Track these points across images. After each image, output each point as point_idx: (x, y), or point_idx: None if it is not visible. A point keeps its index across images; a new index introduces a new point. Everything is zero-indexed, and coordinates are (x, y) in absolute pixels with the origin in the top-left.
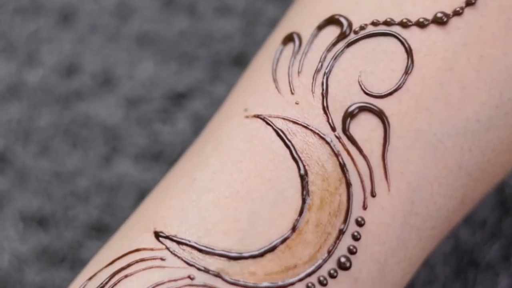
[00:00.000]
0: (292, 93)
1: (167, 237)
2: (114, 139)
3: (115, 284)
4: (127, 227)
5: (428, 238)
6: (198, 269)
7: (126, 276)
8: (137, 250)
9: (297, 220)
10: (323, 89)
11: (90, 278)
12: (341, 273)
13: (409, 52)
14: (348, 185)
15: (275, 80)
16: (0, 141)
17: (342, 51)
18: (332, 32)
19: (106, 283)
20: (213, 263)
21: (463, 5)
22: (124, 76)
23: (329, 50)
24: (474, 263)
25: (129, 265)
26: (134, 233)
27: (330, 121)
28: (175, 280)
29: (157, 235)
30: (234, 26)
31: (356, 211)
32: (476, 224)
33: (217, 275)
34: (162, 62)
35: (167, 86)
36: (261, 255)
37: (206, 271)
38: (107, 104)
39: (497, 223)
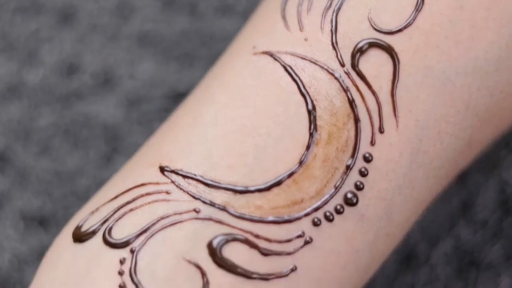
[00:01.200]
0: (301, 30)
1: (172, 171)
2: (114, 139)
3: (120, 217)
4: (131, 164)
5: (434, 179)
6: (204, 202)
7: (130, 210)
8: (142, 184)
9: (304, 155)
10: (332, 26)
11: (93, 212)
12: (347, 209)
13: None
14: (357, 120)
15: (284, 18)
16: (1, 141)
17: None
18: None
19: (110, 216)
20: (219, 197)
21: None
22: (124, 75)
23: None
24: (475, 263)
25: (133, 199)
26: (138, 169)
27: (339, 56)
28: (180, 214)
29: (162, 169)
30: (235, 26)
31: (364, 147)
32: (477, 224)
33: (223, 209)
34: (162, 62)
35: (168, 86)
36: (267, 189)
37: (212, 204)
38: (107, 104)
39: (498, 223)
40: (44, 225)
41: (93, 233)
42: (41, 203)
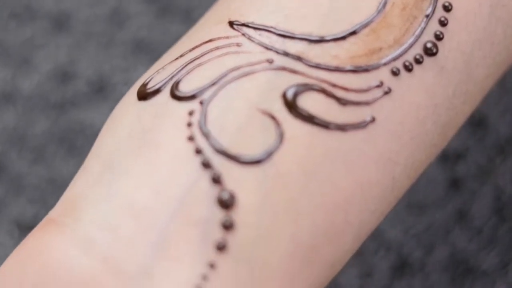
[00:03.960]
0: None
1: (243, 25)
2: None
3: (188, 73)
4: (197, 25)
5: None
6: (277, 52)
7: (199, 65)
8: (210, 40)
9: (381, 3)
10: None
11: (158, 71)
12: (427, 59)
13: None
14: None
15: None
16: None
17: None
18: None
19: (178, 72)
20: (293, 47)
21: None
22: (119, 82)
23: None
24: (471, 270)
25: (202, 55)
26: (206, 27)
27: None
28: (252, 65)
29: (231, 24)
30: None
31: None
32: (473, 231)
33: (298, 58)
34: None
35: None
36: (344, 38)
37: (286, 54)
38: (102, 111)
39: (494, 230)
40: None
41: (159, 90)
42: (35, 210)
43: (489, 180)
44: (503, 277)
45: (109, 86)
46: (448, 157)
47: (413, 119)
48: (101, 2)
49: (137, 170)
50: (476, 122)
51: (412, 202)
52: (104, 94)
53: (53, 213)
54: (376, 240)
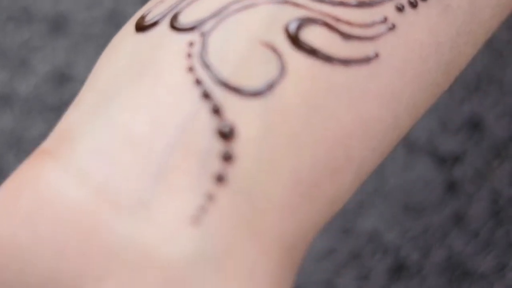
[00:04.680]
0: None
1: None
2: None
3: (188, 5)
4: None
5: None
6: None
7: None
8: None
9: None
10: None
11: (157, 4)
12: None
13: None
14: None
15: None
16: None
17: None
18: None
19: (177, 4)
20: None
21: None
22: None
23: None
24: (468, 273)
25: None
26: None
27: None
28: None
29: None
30: None
31: None
32: (470, 234)
33: None
34: None
35: None
36: None
37: None
38: None
39: (491, 233)
40: None
41: (158, 22)
42: None
43: (486, 183)
44: (500, 280)
45: None
46: (445, 160)
47: (417, 57)
48: (98, 4)
49: (134, 100)
50: (473, 125)
51: (409, 205)
52: None
53: (45, 144)
54: (373, 243)
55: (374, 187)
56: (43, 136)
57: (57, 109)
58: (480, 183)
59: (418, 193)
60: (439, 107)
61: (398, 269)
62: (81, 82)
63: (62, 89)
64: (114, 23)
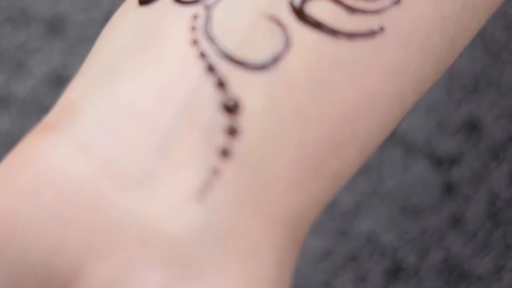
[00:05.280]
0: None
1: None
2: None
3: None
4: None
5: None
6: None
7: None
8: None
9: None
10: None
11: None
12: None
13: None
14: None
15: None
16: None
17: None
18: None
19: None
20: None
21: None
22: None
23: None
24: (465, 275)
25: None
26: None
27: None
28: None
29: None
30: None
31: None
32: (467, 236)
33: None
34: None
35: None
36: None
37: None
38: None
39: (488, 235)
40: None
41: None
42: None
43: (484, 185)
44: (498, 282)
45: None
46: (443, 162)
47: (422, 31)
48: (95, 6)
49: (138, 73)
50: (471, 127)
51: (406, 207)
52: None
53: (47, 119)
54: (370, 245)
55: (371, 189)
56: None
57: None
58: (477, 185)
59: (415, 194)
60: (436, 109)
61: (395, 271)
62: None
63: (59, 90)
64: None
